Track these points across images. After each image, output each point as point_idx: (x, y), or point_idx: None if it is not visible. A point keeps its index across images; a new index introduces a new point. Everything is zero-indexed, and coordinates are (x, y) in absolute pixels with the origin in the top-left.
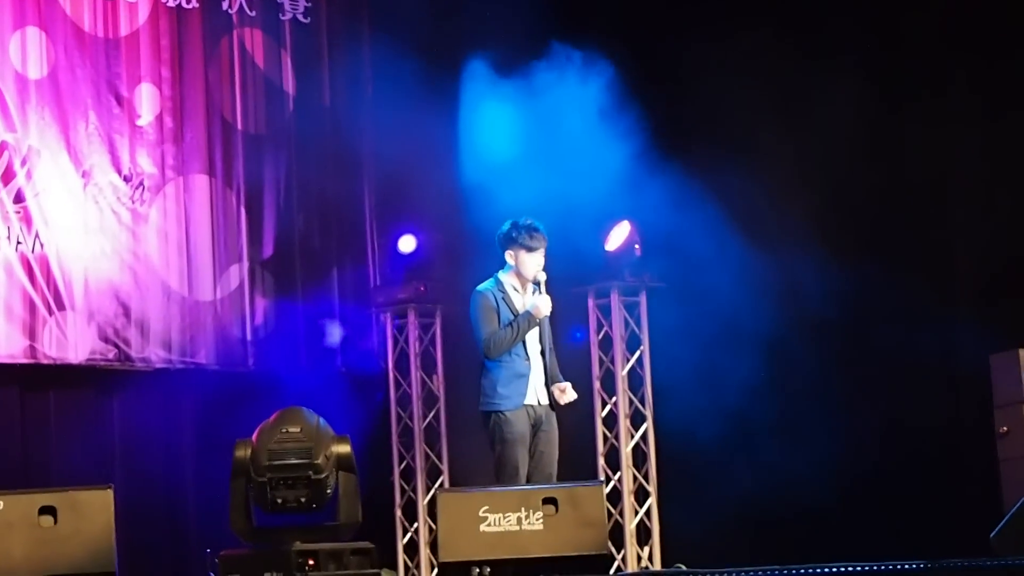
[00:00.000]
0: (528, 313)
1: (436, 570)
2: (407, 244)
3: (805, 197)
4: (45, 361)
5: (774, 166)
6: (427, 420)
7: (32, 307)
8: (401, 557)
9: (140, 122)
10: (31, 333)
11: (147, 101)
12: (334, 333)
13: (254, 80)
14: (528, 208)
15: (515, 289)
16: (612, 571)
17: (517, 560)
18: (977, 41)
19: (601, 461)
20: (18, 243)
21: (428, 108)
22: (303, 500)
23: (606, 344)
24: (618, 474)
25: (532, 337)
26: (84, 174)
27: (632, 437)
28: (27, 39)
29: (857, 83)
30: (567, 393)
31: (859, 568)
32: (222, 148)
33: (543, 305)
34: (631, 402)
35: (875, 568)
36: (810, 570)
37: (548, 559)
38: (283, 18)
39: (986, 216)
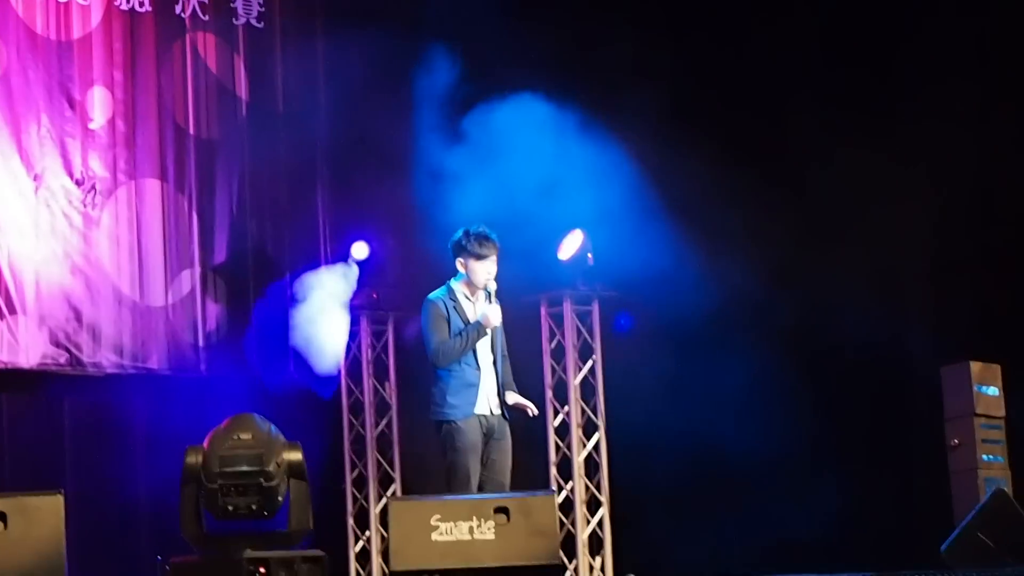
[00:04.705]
0: (478, 323)
1: None
2: (360, 251)
3: (762, 208)
4: None
5: (732, 173)
6: (379, 428)
7: None
8: (353, 565)
9: (92, 125)
10: None
11: (99, 104)
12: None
13: (207, 84)
14: (481, 216)
15: (466, 297)
16: None
17: (468, 570)
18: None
19: (553, 471)
20: None
21: (382, 114)
22: (254, 507)
23: (558, 353)
24: (570, 484)
25: (484, 346)
26: (36, 177)
27: (584, 447)
28: None
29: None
30: (529, 408)
31: None
32: (174, 152)
33: (493, 315)
34: (583, 411)
35: None
36: None
37: (499, 568)
38: (236, 23)
39: (936, 228)
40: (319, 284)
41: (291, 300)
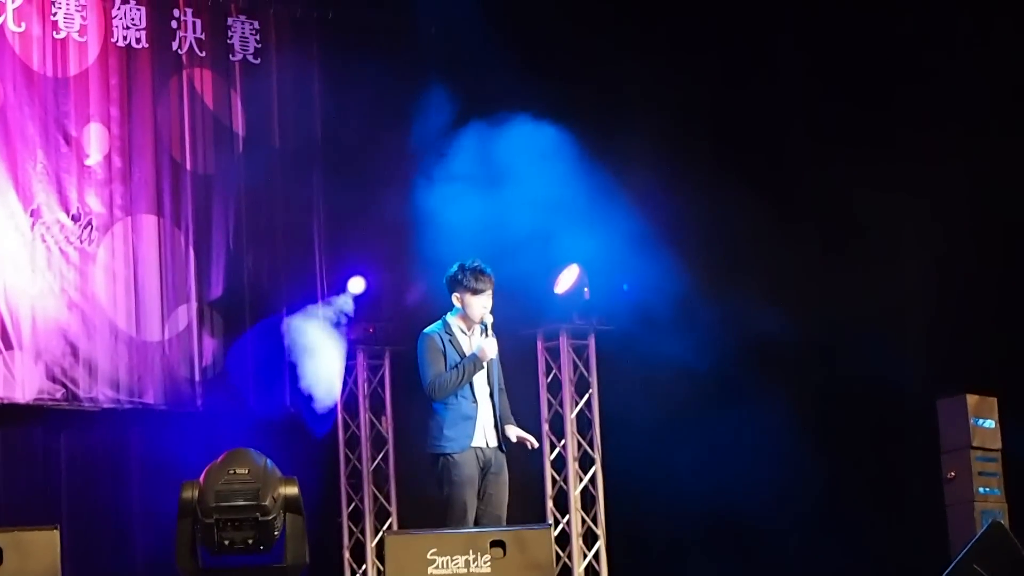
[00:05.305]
0: (474, 356)
1: None
2: (356, 286)
3: (761, 242)
4: None
5: (730, 207)
6: (376, 462)
7: None
8: None
9: (88, 161)
10: None
11: (96, 140)
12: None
13: (203, 120)
14: (478, 250)
15: (462, 331)
16: None
17: None
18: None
19: (550, 504)
20: None
21: (378, 148)
22: (250, 541)
23: (555, 387)
24: (567, 517)
25: (480, 379)
26: (32, 213)
27: (581, 480)
28: None
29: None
30: (529, 441)
31: None
32: (171, 188)
33: (489, 348)
34: (580, 445)
35: None
36: None
37: None
38: (233, 59)
39: (934, 261)
40: (314, 321)
41: (287, 336)
